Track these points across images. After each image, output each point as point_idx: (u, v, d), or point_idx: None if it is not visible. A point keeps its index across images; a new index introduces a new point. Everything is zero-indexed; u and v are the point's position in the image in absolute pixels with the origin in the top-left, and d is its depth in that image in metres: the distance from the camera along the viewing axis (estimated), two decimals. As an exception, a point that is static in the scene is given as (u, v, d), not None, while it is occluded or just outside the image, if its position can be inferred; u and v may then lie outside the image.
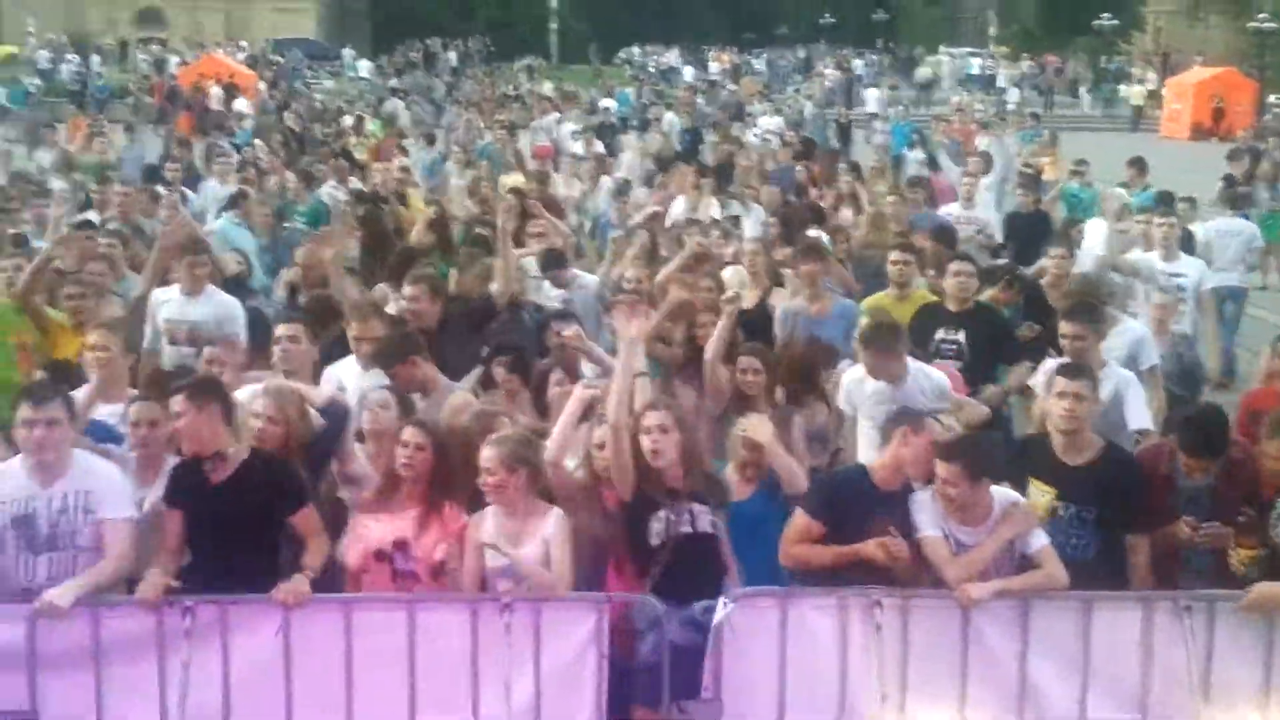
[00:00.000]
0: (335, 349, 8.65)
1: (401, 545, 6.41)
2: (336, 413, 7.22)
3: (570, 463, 6.91)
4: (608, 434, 6.46)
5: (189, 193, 15.77)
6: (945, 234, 12.75)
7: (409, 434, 6.56)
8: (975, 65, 64.55)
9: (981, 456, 6.35)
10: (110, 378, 7.52)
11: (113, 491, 6.27)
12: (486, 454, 6.34)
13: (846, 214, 14.56)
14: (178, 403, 6.36)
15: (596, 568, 6.63)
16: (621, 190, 16.33)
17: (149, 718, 6.04)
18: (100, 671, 6.05)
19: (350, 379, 8.08)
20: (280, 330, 8.25)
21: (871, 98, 44.13)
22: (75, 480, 6.22)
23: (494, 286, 9.77)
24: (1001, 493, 6.45)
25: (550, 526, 6.35)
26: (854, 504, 6.42)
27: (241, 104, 35.08)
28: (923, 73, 60.16)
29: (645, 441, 6.44)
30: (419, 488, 6.51)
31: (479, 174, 17.91)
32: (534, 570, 6.21)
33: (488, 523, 6.40)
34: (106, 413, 7.33)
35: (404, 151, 21.15)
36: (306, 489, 6.60)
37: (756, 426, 7.06)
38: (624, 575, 6.50)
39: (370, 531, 6.48)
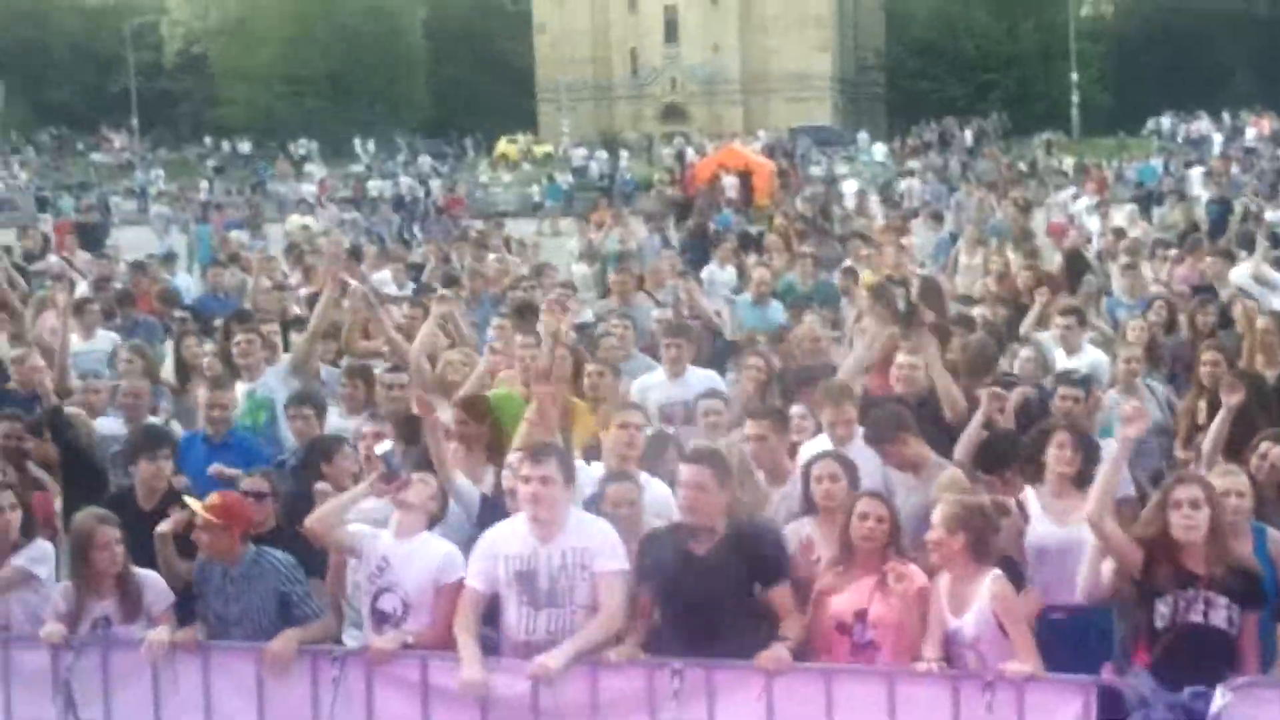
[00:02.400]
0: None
1: (861, 616, 6.40)
2: None
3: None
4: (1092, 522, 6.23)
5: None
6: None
7: (865, 505, 6.57)
8: None
9: None
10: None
11: (607, 545, 6.53)
12: (935, 512, 6.37)
13: None
14: (692, 471, 6.60)
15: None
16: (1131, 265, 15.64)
17: (638, 774, 6.29)
18: (596, 726, 6.35)
19: None
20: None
21: None
22: (572, 537, 6.52)
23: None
24: None
25: (986, 593, 6.23)
26: None
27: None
28: None
29: (1175, 516, 6.12)
30: (875, 558, 6.49)
31: (990, 253, 17.66)
32: None
33: (940, 584, 6.38)
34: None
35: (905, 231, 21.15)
36: (785, 564, 6.68)
37: None
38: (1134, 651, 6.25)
39: (830, 604, 6.50)
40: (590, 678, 6.37)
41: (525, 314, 11.76)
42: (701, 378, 9.95)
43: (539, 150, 69.76)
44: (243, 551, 6.88)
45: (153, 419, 9.52)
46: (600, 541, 6.53)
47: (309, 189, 50.36)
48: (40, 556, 7.23)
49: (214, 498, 6.94)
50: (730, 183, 39.13)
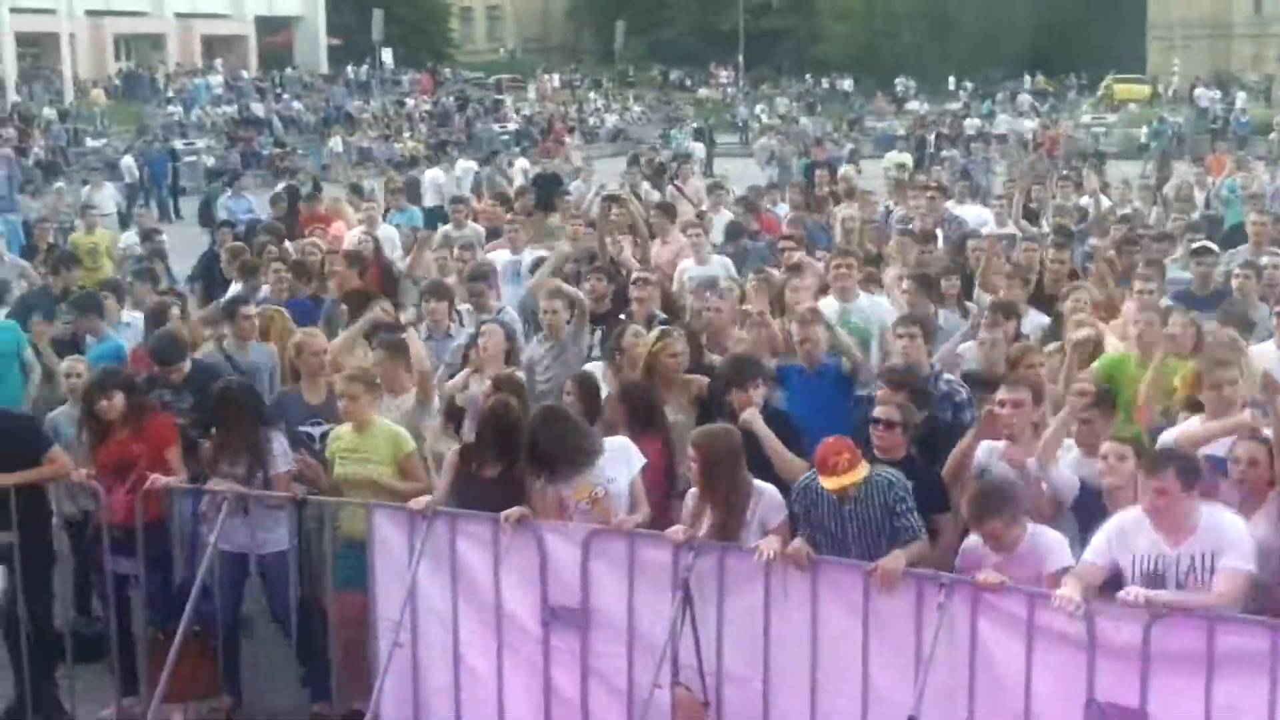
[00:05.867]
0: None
1: None
2: None
3: None
4: None
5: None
6: None
7: None
8: None
9: None
10: None
11: (1231, 542, 6.33)
12: None
13: None
14: None
15: None
16: None
17: (1258, 734, 6.05)
18: (1211, 682, 6.13)
19: None
20: None
21: None
22: (1203, 541, 6.36)
23: None
24: None
25: None
26: None
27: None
28: None
29: None
30: None
31: None
32: None
33: None
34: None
35: None
36: None
37: None
38: None
39: None
40: (1206, 632, 6.15)
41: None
42: None
43: (1144, 90, 66.68)
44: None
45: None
46: (1227, 540, 6.33)
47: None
48: None
49: (830, 450, 6.95)
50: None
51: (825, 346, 9.37)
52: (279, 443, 8.39)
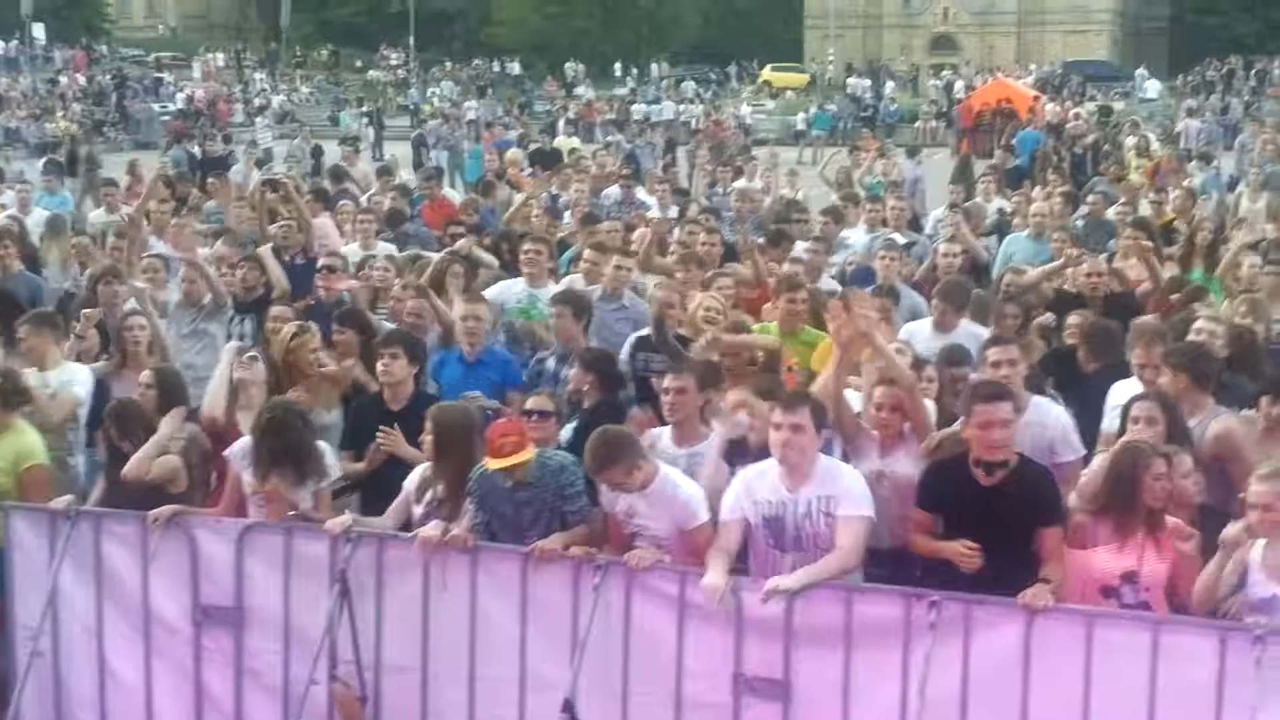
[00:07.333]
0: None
1: (1130, 577, 6.28)
2: None
3: None
4: None
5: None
6: None
7: (1162, 466, 6.40)
8: None
9: None
10: None
11: (851, 493, 6.60)
12: (1259, 488, 6.04)
13: None
14: (1002, 409, 6.55)
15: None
16: None
17: (890, 700, 6.32)
18: (850, 651, 6.41)
19: None
20: None
21: None
22: (818, 486, 6.60)
23: None
24: None
25: None
26: None
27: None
28: None
29: None
30: (1154, 518, 6.35)
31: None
32: None
33: (1255, 552, 6.13)
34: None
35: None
36: (1062, 507, 6.64)
37: None
38: None
39: (1095, 563, 6.38)
40: (845, 603, 6.42)
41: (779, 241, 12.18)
42: (971, 335, 9.37)
43: (801, 79, 69.15)
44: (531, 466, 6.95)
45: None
46: (845, 489, 6.59)
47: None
48: None
49: (498, 433, 6.91)
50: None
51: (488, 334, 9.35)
52: None
